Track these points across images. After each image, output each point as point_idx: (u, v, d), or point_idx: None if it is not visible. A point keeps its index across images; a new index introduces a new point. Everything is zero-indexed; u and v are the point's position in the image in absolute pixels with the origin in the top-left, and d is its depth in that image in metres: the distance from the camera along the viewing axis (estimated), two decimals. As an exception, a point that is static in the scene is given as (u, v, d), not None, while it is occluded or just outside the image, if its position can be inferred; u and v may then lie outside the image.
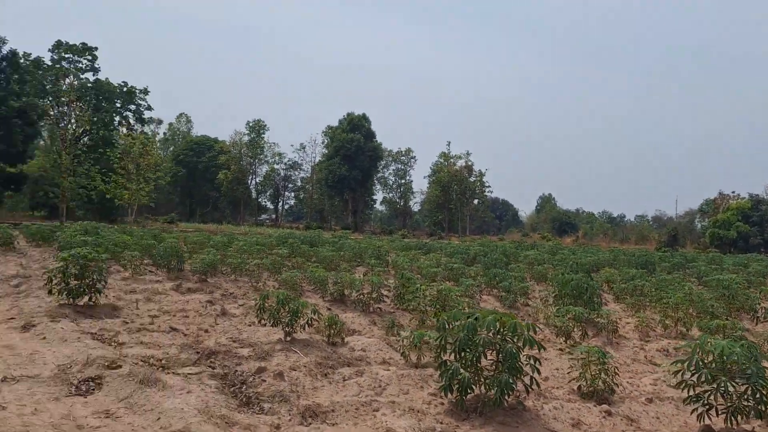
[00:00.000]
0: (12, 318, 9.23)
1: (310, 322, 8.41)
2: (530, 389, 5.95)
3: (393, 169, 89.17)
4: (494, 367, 5.85)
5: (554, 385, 7.44)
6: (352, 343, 8.76)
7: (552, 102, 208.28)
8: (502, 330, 5.78)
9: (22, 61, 43.73)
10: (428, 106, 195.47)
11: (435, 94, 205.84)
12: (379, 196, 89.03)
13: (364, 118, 78.99)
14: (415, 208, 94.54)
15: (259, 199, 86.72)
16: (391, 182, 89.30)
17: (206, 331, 9.26)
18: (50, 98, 53.01)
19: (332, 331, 8.79)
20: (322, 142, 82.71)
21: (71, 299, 9.75)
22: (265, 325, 8.99)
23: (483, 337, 5.71)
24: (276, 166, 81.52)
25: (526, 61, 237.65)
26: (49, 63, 56.13)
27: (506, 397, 5.66)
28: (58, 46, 57.12)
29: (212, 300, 11.97)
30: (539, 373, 6.02)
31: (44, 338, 7.78)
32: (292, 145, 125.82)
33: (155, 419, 5.03)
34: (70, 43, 57.22)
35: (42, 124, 48.22)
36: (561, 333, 10.07)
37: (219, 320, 10.13)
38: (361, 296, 11.86)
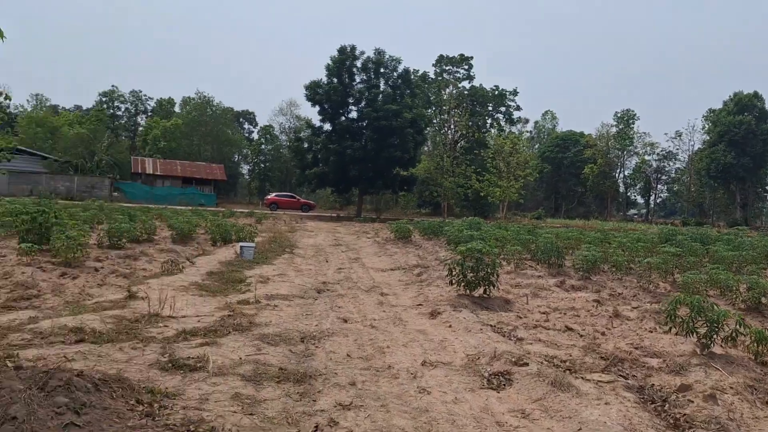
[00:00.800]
0: (420, 304, 10.20)
1: (734, 335, 7.01)
2: None
3: (800, 154, 73.53)
4: None
5: None
6: (793, 366, 7.00)
7: None
8: None
9: (412, 77, 50.13)
10: None
11: None
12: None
13: (755, 96, 67.05)
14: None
15: (628, 193, 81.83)
16: (796, 169, 73.80)
17: (603, 333, 8.62)
18: (433, 108, 59.53)
19: (761, 348, 7.18)
20: (702, 128, 73.37)
21: (468, 290, 10.29)
22: (669, 333, 7.90)
23: None
24: (647, 158, 75.52)
25: None
26: (433, 76, 63.16)
27: None
28: (440, 60, 63.91)
29: (600, 300, 11.25)
30: None
31: (450, 326, 8.27)
32: (665, 134, 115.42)
33: (576, 429, 4.65)
34: (450, 55, 63.39)
35: (427, 131, 54.40)
36: None
37: (614, 323, 9.37)
38: (791, 308, 9.59)
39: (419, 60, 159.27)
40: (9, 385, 3.95)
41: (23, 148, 51.68)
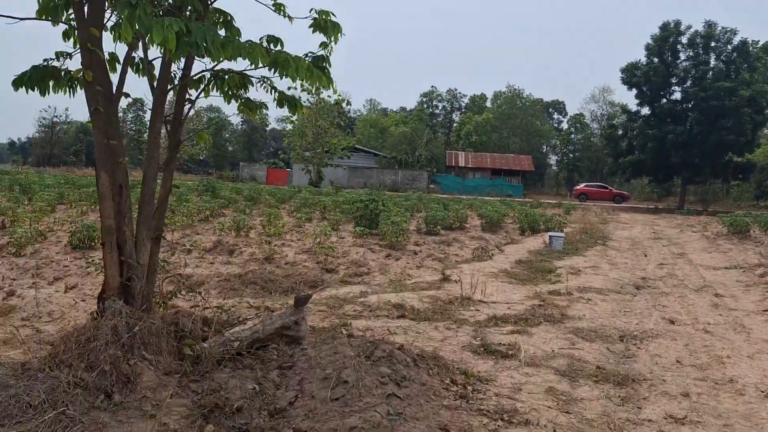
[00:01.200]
0: (766, 310, 8.47)
1: None
2: None
3: None
4: None
5: None
6: None
7: None
8: None
9: (751, 49, 42.50)
10: None
11: None
12: None
13: None
14: None
15: None
16: None
17: None
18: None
19: None
20: None
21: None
22: None
23: None
24: None
25: None
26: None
27: None
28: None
29: None
30: None
31: (816, 341, 6.63)
32: None
33: None
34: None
35: (772, 110, 45.78)
36: None
37: None
38: None
39: (762, 30, 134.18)
40: (342, 351, 4.36)
41: (360, 147, 59.64)
